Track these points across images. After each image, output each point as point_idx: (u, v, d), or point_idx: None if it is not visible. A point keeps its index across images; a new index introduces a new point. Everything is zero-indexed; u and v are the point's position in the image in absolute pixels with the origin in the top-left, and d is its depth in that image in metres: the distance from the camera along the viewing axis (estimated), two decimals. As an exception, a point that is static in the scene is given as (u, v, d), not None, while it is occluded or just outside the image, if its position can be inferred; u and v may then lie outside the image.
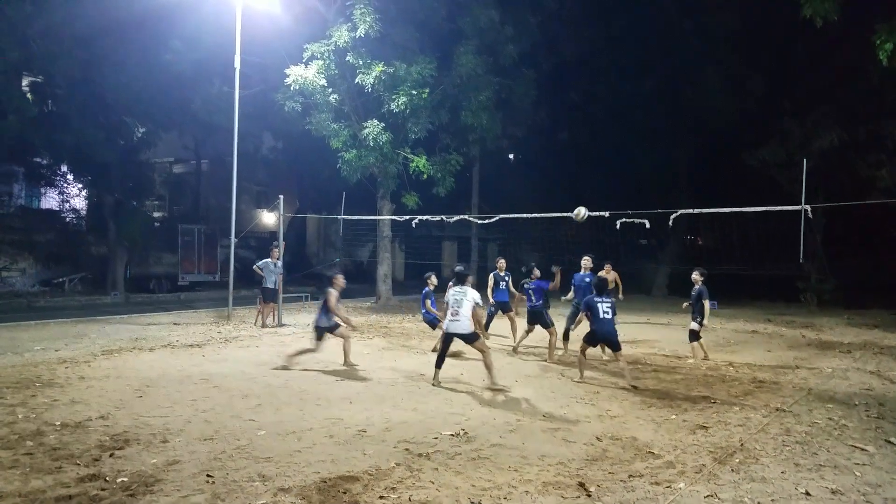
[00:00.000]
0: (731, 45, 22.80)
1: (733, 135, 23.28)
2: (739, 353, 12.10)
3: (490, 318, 12.99)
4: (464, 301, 8.65)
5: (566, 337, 11.39)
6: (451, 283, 9.56)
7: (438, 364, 8.88)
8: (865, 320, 17.85)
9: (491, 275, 12.73)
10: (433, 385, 8.68)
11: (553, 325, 11.06)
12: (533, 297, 11.18)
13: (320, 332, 10.03)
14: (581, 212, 11.80)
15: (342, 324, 10.15)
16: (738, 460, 5.75)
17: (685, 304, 11.42)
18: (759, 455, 5.91)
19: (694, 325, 10.91)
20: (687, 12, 22.90)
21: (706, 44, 22.60)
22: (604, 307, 9.15)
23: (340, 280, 10.48)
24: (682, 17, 22.96)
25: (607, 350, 10.70)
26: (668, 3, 23.31)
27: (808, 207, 10.88)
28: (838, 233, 24.00)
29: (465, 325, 8.58)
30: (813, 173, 14.97)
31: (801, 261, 11.55)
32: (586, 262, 11.55)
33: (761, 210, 12.47)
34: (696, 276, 11.06)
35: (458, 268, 9.34)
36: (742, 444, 6.22)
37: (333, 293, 10.14)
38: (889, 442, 6.40)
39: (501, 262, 12.83)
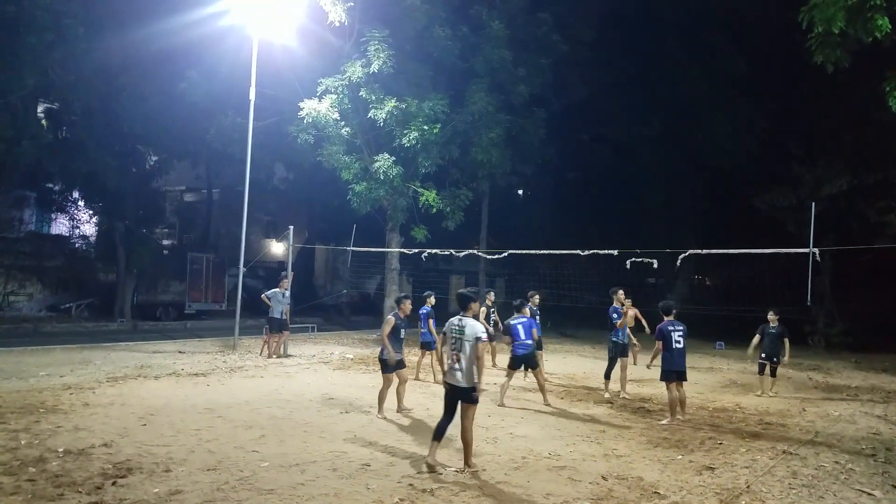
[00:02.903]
0: (737, 89, 23.15)
1: (741, 177, 23.49)
2: (746, 395, 11.99)
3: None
4: (464, 342, 6.43)
5: (608, 376, 11.40)
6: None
7: (436, 435, 6.60)
8: (873, 364, 17.69)
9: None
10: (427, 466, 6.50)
11: (539, 366, 10.60)
12: (522, 334, 10.09)
13: (385, 365, 8.85)
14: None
15: (391, 357, 8.78)
16: (744, 502, 5.70)
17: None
18: (765, 498, 5.85)
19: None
20: (694, 57, 23.30)
21: (713, 87, 22.94)
22: (676, 335, 9.13)
23: (407, 305, 9.18)
24: (690, 61, 23.35)
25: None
26: (675, 48, 23.74)
27: (816, 250, 10.91)
28: (847, 277, 23.93)
29: (467, 376, 6.40)
30: (822, 218, 15.09)
31: (808, 303, 11.56)
32: (620, 294, 11.49)
33: (770, 252, 12.51)
34: (773, 316, 11.93)
35: (462, 290, 6.97)
36: (748, 487, 6.16)
37: (390, 321, 8.92)
38: (897, 488, 6.33)
39: (536, 298, 12.57)
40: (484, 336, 6.45)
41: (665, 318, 9.28)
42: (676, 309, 9.53)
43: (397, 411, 8.97)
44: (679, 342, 9.12)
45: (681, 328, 9.20)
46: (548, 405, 10.10)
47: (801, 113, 22.55)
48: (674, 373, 9.18)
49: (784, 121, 22.99)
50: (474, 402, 6.48)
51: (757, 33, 23.00)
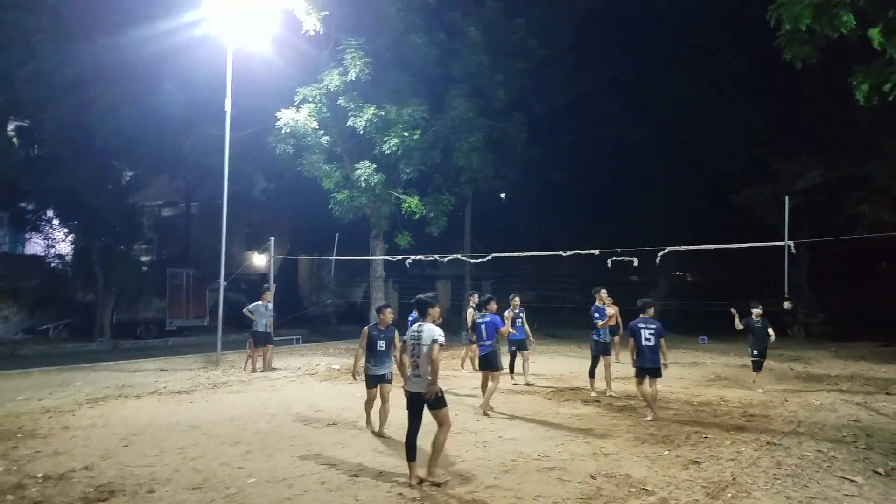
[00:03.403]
0: (718, 90, 23.45)
1: (722, 175, 23.78)
2: (730, 388, 12.10)
3: (513, 357, 12.68)
4: (421, 347, 6.31)
5: (592, 375, 11.45)
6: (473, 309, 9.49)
7: (409, 455, 6.31)
8: (852, 352, 17.96)
9: (506, 312, 12.11)
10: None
11: (501, 368, 10.28)
12: (484, 334, 9.86)
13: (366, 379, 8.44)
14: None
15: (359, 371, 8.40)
16: (730, 495, 5.74)
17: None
18: (750, 489, 5.91)
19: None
20: (693, 58, 23.51)
21: (700, 88, 23.19)
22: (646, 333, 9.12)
23: (387, 315, 8.33)
24: (689, 62, 23.56)
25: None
26: (671, 50, 23.94)
27: (791, 243, 11.09)
28: (825, 268, 24.29)
29: (426, 382, 6.25)
30: (800, 212, 15.36)
31: (785, 295, 11.72)
32: (603, 294, 11.58)
33: (746, 246, 12.69)
34: (757, 310, 11.59)
35: (421, 296, 6.77)
36: (734, 479, 6.21)
37: (364, 333, 8.35)
38: (877, 473, 6.42)
39: (516, 300, 12.47)
40: (441, 339, 6.31)
41: (640, 316, 9.32)
42: (654, 307, 9.54)
43: (375, 433, 8.21)
44: (649, 340, 9.12)
45: (653, 326, 9.19)
46: (489, 410, 9.53)
47: (779, 110, 22.87)
48: (643, 370, 9.22)
49: (763, 118, 23.29)
50: (439, 406, 6.28)
51: (723, 35, 23.34)
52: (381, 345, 8.20)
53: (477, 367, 10.20)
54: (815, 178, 20.36)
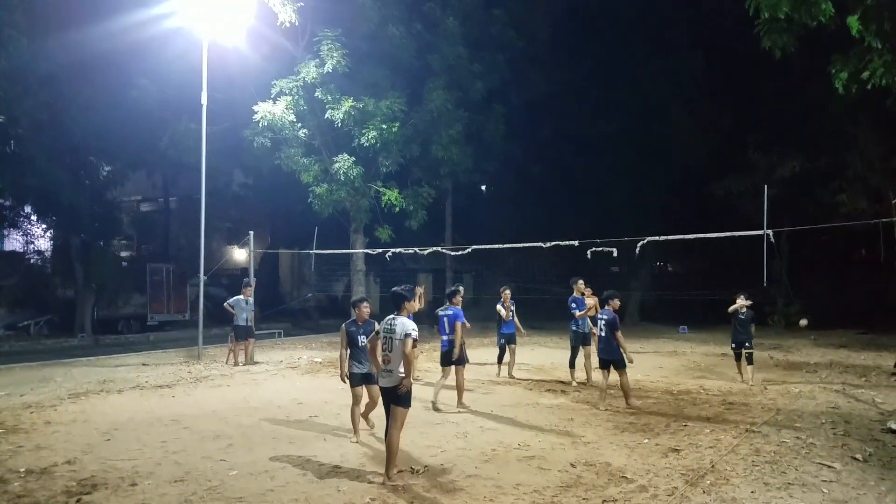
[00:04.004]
0: (697, 84, 23.60)
1: (702, 168, 23.96)
2: (710, 377, 12.26)
3: (502, 350, 12.52)
4: (394, 341, 6.12)
5: (572, 365, 11.58)
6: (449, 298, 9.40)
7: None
8: (831, 340, 18.25)
9: (498, 306, 12.17)
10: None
11: (465, 362, 9.79)
12: (447, 328, 9.44)
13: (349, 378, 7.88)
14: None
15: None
16: (709, 482, 5.83)
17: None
18: (729, 476, 6.00)
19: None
20: (653, 54, 23.64)
21: (672, 83, 23.33)
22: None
23: (363, 310, 7.95)
24: (649, 57, 23.69)
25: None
26: (635, 44, 24.06)
27: (770, 232, 11.21)
28: (803, 258, 24.64)
29: (396, 377, 6.09)
30: (777, 202, 15.55)
31: (764, 285, 11.84)
32: (580, 284, 11.63)
33: (725, 236, 12.82)
34: (742, 301, 11.27)
35: (396, 288, 6.56)
36: (713, 466, 6.30)
37: (342, 331, 8.06)
38: (855, 459, 6.54)
39: (507, 293, 12.13)
40: (414, 334, 6.05)
41: (603, 307, 9.52)
42: (618, 298, 9.66)
43: (352, 440, 7.60)
44: (602, 330, 9.34)
45: (604, 318, 9.36)
46: (441, 405, 9.14)
47: (759, 105, 23.08)
48: (599, 360, 9.57)
49: (743, 113, 23.50)
50: (403, 403, 6.07)
51: (714, 27, 23.49)
52: (363, 340, 7.65)
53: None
54: (794, 168, 20.59)
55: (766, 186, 13.05)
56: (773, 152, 21.65)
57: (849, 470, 6.21)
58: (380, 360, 6.22)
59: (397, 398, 6.06)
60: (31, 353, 18.48)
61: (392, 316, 6.31)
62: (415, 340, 6.05)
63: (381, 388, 6.25)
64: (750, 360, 11.24)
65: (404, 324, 6.13)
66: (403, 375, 6.01)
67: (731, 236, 13.14)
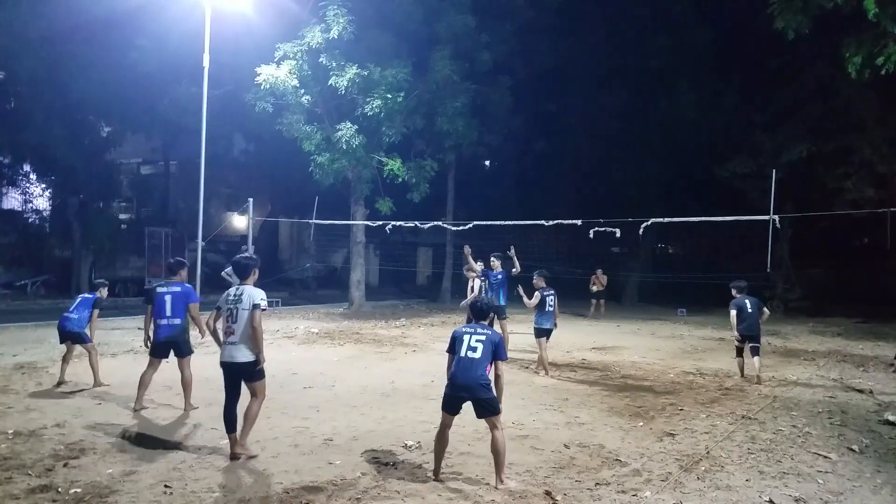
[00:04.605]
0: (704, 60, 23.20)
1: (706, 147, 23.66)
2: (707, 361, 12.19)
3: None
4: (239, 310, 5.76)
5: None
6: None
7: (228, 427, 5.81)
8: (830, 328, 18.17)
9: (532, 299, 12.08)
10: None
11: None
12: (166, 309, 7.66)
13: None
14: None
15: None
16: (703, 468, 5.76)
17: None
18: (724, 463, 5.93)
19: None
20: (661, 27, 23.22)
21: (679, 58, 22.95)
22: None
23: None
24: (657, 31, 23.27)
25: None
26: (644, 17, 23.61)
27: (776, 217, 11.07)
28: (805, 243, 24.49)
29: (244, 350, 5.72)
30: (782, 186, 15.35)
31: (768, 270, 11.72)
32: (495, 262, 11.74)
33: (731, 220, 12.67)
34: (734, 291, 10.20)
35: (239, 256, 6.40)
36: (708, 452, 6.23)
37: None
38: (851, 450, 6.47)
39: (495, 262, 11.78)
40: (263, 304, 5.73)
41: (542, 286, 10.34)
42: (547, 276, 10.48)
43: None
44: (552, 306, 10.24)
45: (552, 293, 10.32)
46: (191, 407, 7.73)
47: (766, 84, 22.73)
48: (544, 330, 10.32)
49: (749, 92, 23.15)
50: (259, 377, 5.82)
51: (724, 2, 23.06)
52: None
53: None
54: (801, 152, 20.32)
55: (773, 171, 12.87)
56: (780, 134, 21.34)
57: (844, 461, 6.14)
58: (221, 333, 5.94)
59: (251, 374, 5.78)
60: (27, 312, 18.45)
61: (236, 286, 5.96)
62: (263, 311, 5.74)
63: (227, 364, 5.80)
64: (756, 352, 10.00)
65: (252, 293, 5.79)
66: (256, 351, 5.71)
67: (734, 220, 13.01)
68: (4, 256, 24.16)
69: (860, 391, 9.55)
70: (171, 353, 7.57)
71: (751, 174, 21.09)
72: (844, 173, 20.43)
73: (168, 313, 7.38)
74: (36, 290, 23.46)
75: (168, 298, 7.37)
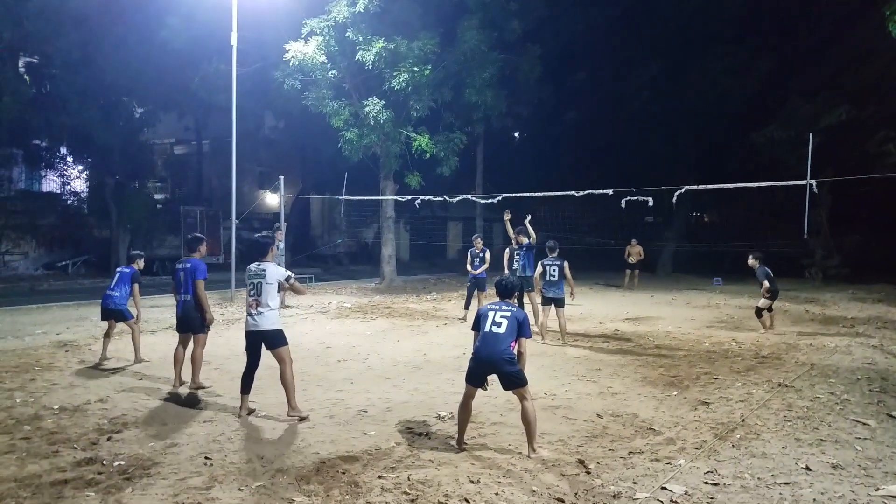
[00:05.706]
0: (738, 27, 22.53)
1: (741, 115, 23.08)
2: (743, 330, 12.02)
3: (469, 295, 13.10)
4: (263, 285, 6.25)
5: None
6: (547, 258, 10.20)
7: (244, 388, 6.46)
8: (870, 295, 17.73)
9: (469, 252, 13.13)
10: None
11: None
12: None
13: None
14: None
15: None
16: (738, 436, 5.71)
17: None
18: (759, 430, 5.87)
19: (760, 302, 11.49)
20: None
21: (713, 26, 22.32)
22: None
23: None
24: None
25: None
26: None
27: (813, 182, 10.78)
28: (845, 210, 23.82)
29: (271, 319, 6.28)
30: (820, 151, 14.94)
31: (805, 237, 11.48)
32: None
33: (766, 185, 12.38)
34: (751, 261, 11.41)
35: (257, 235, 7.06)
36: (743, 420, 6.17)
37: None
38: (891, 416, 6.34)
39: (479, 241, 13.07)
40: (286, 280, 6.31)
41: (549, 255, 10.50)
42: (558, 249, 10.56)
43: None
44: (553, 275, 10.29)
45: (557, 263, 10.33)
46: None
47: (803, 50, 22.01)
48: (547, 299, 10.43)
49: (786, 58, 22.44)
50: (281, 343, 6.31)
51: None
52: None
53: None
54: (840, 115, 19.67)
55: (811, 135, 12.50)
56: (819, 99, 20.69)
57: (884, 427, 6.03)
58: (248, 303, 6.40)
59: (273, 341, 6.29)
60: (68, 292, 18.96)
61: (257, 263, 6.41)
62: (285, 282, 6.32)
63: (251, 332, 6.35)
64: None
65: (277, 270, 6.37)
66: (279, 325, 6.36)
67: (771, 186, 12.71)
68: (45, 238, 24.80)
69: (902, 358, 9.33)
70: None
71: (788, 140, 20.52)
72: (885, 137, 19.76)
73: (183, 289, 7.64)
74: (77, 269, 24.09)
75: (182, 275, 7.64)
